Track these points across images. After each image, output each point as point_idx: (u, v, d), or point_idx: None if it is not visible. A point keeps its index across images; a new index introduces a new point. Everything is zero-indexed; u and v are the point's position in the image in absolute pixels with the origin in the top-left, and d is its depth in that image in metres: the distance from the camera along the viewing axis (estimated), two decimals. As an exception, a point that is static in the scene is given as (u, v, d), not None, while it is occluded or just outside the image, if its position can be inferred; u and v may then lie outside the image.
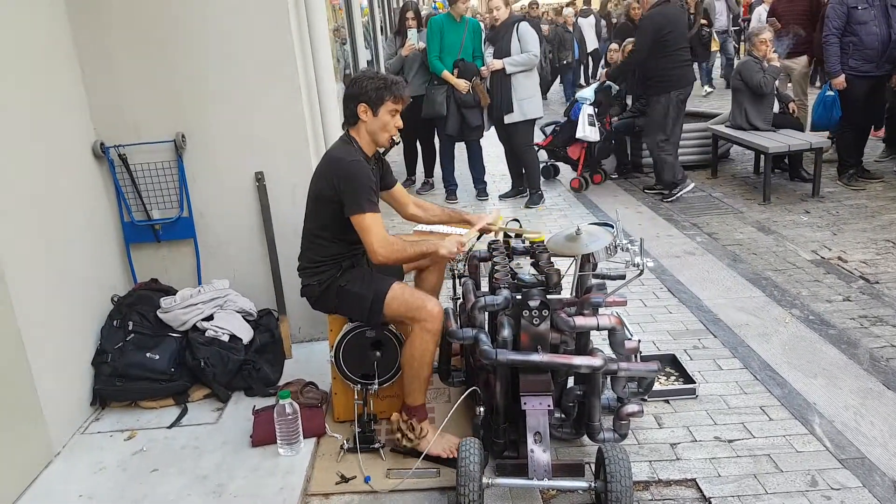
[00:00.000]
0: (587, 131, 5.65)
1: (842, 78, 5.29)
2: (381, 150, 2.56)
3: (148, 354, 2.72)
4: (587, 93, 5.92)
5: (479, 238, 2.73)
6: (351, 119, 2.41)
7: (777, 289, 3.70)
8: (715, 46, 10.57)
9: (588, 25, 11.90)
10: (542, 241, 2.65)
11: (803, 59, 6.25)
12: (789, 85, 6.51)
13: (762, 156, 5.49)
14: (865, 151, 5.70)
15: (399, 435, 2.35)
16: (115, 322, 2.81)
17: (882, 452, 2.31)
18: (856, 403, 2.60)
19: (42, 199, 2.55)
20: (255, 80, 2.94)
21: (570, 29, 10.95)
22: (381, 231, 2.31)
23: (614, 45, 7.05)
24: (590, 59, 12.32)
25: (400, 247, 2.34)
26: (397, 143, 2.53)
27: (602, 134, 5.84)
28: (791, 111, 5.89)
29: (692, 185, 5.58)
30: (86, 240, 2.82)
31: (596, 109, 5.80)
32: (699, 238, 4.59)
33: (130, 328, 2.78)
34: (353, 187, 2.29)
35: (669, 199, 5.52)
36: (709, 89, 10.62)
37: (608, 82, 5.95)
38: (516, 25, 5.30)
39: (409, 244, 2.38)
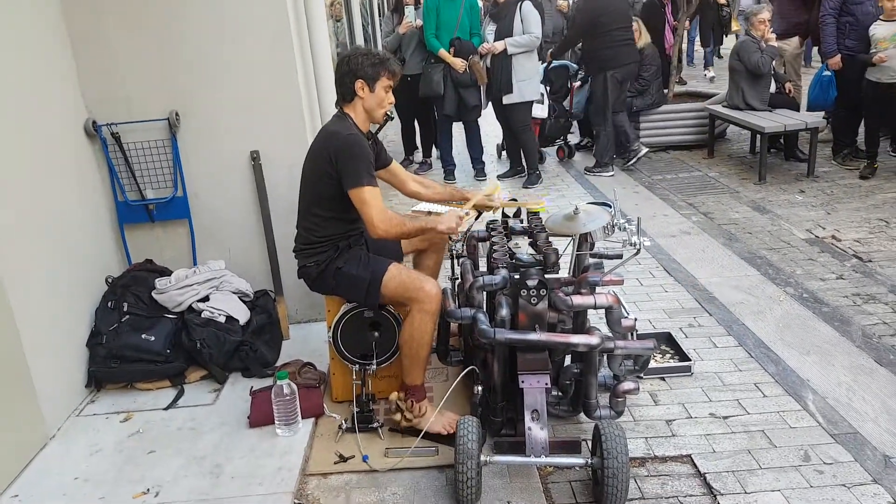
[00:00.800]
0: (533, 108, 5.66)
1: (837, 58, 5.26)
2: (375, 129, 2.53)
3: (143, 336, 2.71)
4: None
5: (478, 217, 2.72)
6: (347, 96, 2.39)
7: (772, 267, 3.71)
8: (736, 26, 10.31)
9: None
10: (543, 211, 2.64)
11: (795, 39, 6.20)
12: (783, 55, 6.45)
13: (758, 136, 5.48)
14: (859, 131, 5.70)
15: (398, 415, 2.36)
16: (109, 303, 2.80)
17: (873, 427, 2.34)
18: (848, 380, 2.62)
19: (34, 178, 2.51)
20: (250, 58, 2.89)
21: None
22: (379, 205, 2.29)
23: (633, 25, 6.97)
24: None
25: (399, 221, 2.32)
26: (392, 119, 2.51)
27: (554, 111, 5.92)
28: (787, 91, 5.87)
29: (612, 173, 5.72)
30: (79, 219, 2.79)
31: (548, 88, 5.89)
32: (695, 217, 4.59)
33: (125, 309, 2.77)
34: (351, 161, 2.28)
35: (589, 172, 5.76)
36: (711, 74, 10.46)
37: (556, 61, 6.04)
38: (520, 4, 5.20)
39: (408, 219, 2.38)
